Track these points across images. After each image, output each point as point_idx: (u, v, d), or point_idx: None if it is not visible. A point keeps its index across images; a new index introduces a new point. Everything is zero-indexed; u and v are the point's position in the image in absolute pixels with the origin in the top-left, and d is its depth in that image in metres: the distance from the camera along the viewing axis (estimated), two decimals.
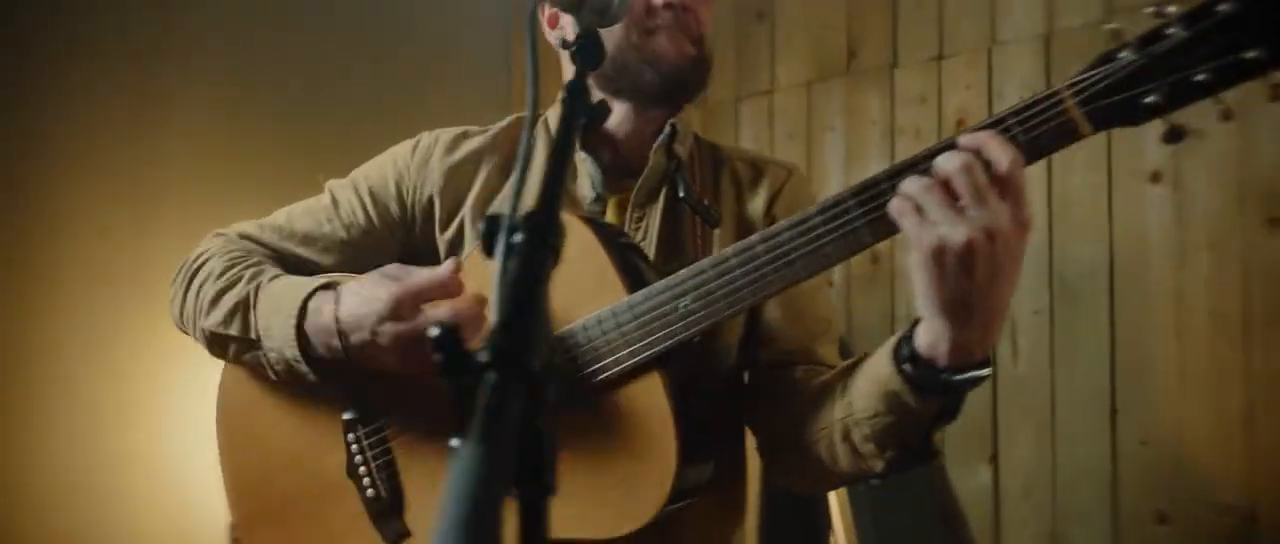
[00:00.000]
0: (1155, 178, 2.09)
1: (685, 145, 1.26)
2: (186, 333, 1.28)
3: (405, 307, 1.03)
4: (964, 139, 0.87)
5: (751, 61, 2.81)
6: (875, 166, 2.31)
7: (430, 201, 1.26)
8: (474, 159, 1.27)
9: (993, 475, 2.30)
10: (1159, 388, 2.04)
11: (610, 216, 1.23)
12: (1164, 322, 2.05)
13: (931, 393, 0.93)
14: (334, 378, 1.11)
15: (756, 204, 1.26)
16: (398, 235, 1.28)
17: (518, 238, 0.54)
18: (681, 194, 1.21)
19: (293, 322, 1.09)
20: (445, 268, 1.05)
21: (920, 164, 0.89)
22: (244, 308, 1.15)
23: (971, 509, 2.22)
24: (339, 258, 1.27)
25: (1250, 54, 0.80)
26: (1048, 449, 2.21)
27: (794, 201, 1.26)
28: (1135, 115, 0.85)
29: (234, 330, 1.16)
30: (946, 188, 0.85)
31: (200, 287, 1.21)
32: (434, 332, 0.49)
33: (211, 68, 2.51)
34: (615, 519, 0.99)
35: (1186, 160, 2.05)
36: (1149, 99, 0.84)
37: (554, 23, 1.28)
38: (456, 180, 1.26)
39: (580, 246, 1.05)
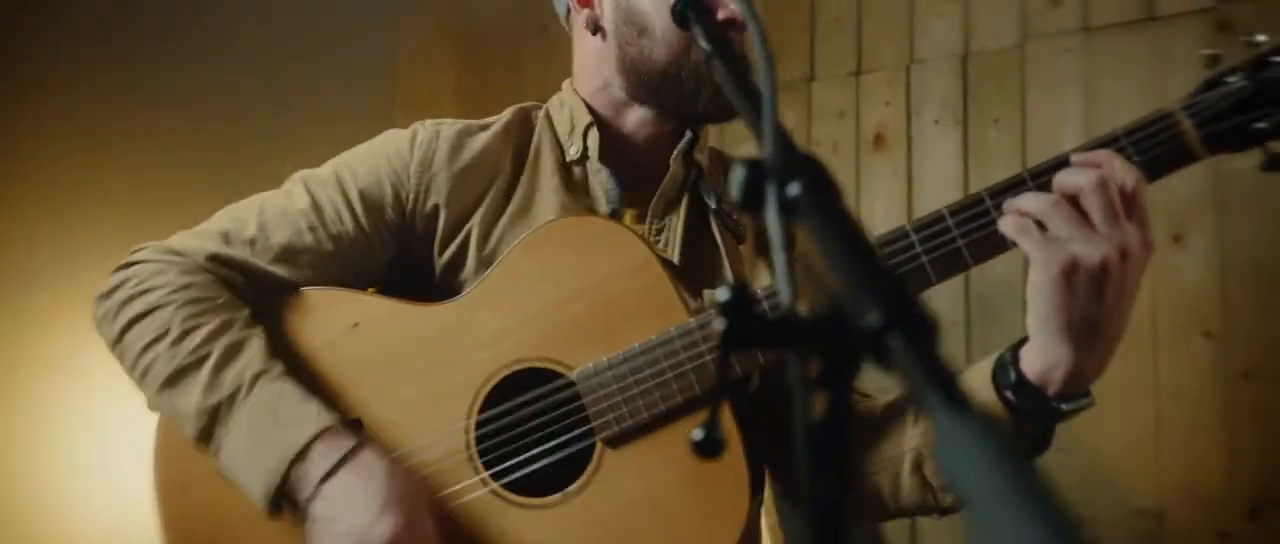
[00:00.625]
0: None
1: (704, 153, 1.19)
2: (111, 351, 1.09)
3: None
4: (1080, 157, 0.84)
5: None
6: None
7: (434, 211, 1.12)
8: (483, 162, 1.13)
9: None
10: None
11: None
12: None
13: (1033, 422, 0.89)
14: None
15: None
16: (391, 246, 1.14)
17: (796, 190, 0.45)
18: (714, 205, 1.14)
19: (279, 472, 0.94)
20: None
21: (1029, 183, 0.85)
22: (213, 414, 0.98)
23: (891, 522, 2.24)
24: (322, 276, 1.10)
25: None
26: None
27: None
28: (1244, 141, 0.85)
29: (189, 430, 0.98)
30: (1074, 205, 0.81)
31: (151, 343, 1.02)
32: (724, 296, 0.41)
33: (67, 91, 2.27)
34: None
35: None
36: (1259, 124, 0.84)
37: (587, 2, 1.16)
38: (465, 188, 1.12)
39: (636, 262, 0.96)
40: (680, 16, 0.82)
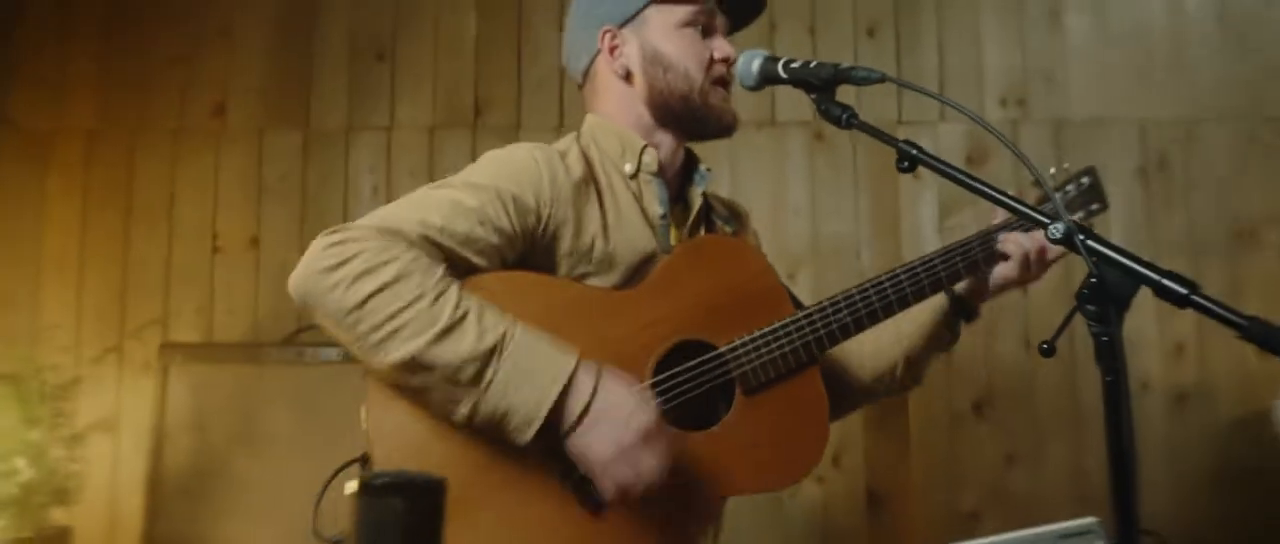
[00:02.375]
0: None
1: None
2: (329, 326, 1.23)
3: (648, 445, 1.25)
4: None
5: (371, 100, 3.00)
6: None
7: (563, 217, 1.38)
8: (583, 180, 1.43)
9: None
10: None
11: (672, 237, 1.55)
12: None
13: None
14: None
15: (749, 239, 1.71)
16: (522, 246, 1.37)
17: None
18: (719, 223, 1.61)
19: (553, 393, 1.21)
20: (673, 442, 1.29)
21: (1005, 228, 1.52)
22: (486, 356, 1.20)
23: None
24: (488, 263, 1.33)
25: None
26: None
27: (758, 237, 1.74)
28: None
29: (468, 371, 1.20)
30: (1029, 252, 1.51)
31: (408, 304, 1.20)
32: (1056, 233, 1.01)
33: None
34: (785, 473, 1.42)
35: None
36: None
37: (615, 52, 1.51)
38: (578, 200, 1.40)
39: (758, 269, 1.45)
40: (759, 82, 1.36)
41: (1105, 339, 1.02)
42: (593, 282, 1.42)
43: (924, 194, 2.96)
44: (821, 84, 1.31)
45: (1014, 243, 1.51)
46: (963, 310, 1.58)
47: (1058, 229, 1.06)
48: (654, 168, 1.50)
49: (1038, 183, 1.43)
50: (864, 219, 2.96)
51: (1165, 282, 1.00)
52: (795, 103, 2.98)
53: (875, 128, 1.29)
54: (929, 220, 2.94)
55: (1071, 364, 2.89)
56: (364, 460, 1.31)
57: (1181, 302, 1.00)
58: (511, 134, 3.00)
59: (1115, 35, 3.05)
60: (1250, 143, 2.99)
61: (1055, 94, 3.02)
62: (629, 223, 1.45)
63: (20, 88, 3.04)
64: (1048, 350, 1.11)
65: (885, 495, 2.84)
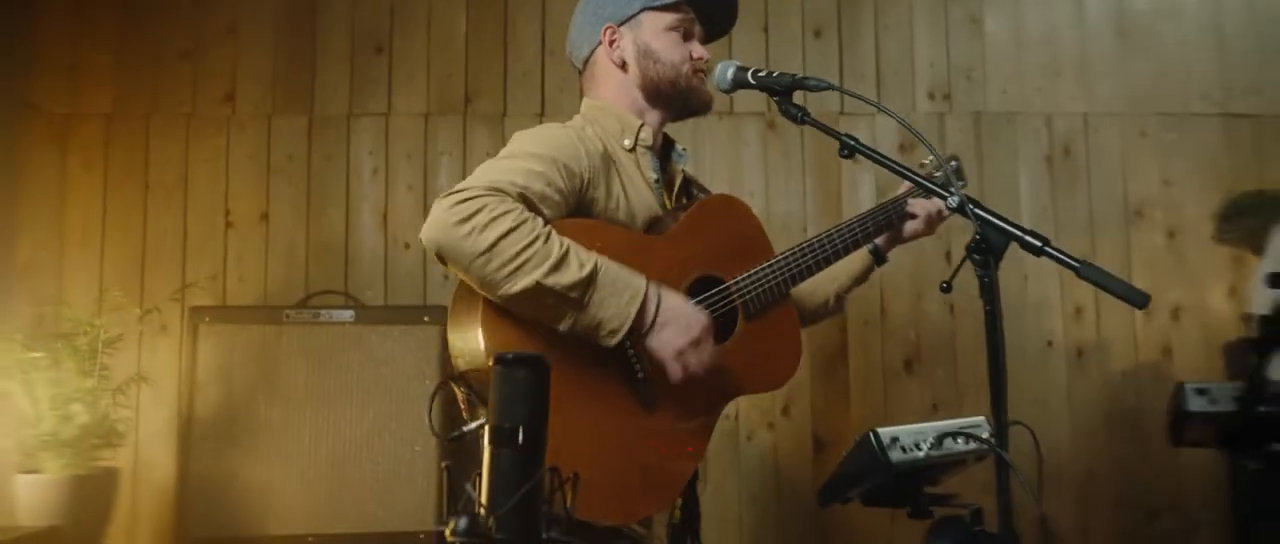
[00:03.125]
0: None
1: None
2: (461, 266, 1.55)
3: (703, 341, 1.65)
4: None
5: (371, 88, 3.32)
6: None
7: (593, 180, 1.73)
8: (602, 153, 1.78)
9: None
10: None
11: None
12: None
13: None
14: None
15: None
16: (574, 203, 1.70)
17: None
18: (696, 194, 1.98)
19: (634, 308, 1.59)
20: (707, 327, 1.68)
21: (910, 195, 1.94)
22: (588, 280, 1.56)
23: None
24: (554, 214, 1.65)
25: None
26: None
27: None
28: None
29: (574, 293, 1.55)
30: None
31: (529, 244, 1.53)
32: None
33: None
34: (777, 377, 1.84)
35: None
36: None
37: (614, 45, 1.87)
38: (605, 168, 1.77)
39: (753, 225, 1.86)
40: (732, 86, 1.76)
41: (986, 280, 1.43)
42: (668, 229, 1.79)
43: (863, 177, 3.38)
44: (782, 90, 1.70)
45: (919, 206, 2.01)
46: (878, 256, 2.09)
47: (955, 199, 1.46)
48: (649, 142, 1.86)
49: (938, 165, 1.95)
50: (810, 199, 3.37)
51: (1026, 237, 1.40)
52: (752, 97, 3.36)
53: (824, 124, 1.68)
54: (867, 200, 3.36)
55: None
56: (455, 378, 1.65)
57: (1037, 251, 1.41)
58: (497, 121, 3.34)
59: (1028, 39, 3.49)
60: (1141, 136, 3.46)
61: (975, 90, 3.46)
62: (638, 187, 1.82)
63: (41, 75, 3.29)
64: (946, 288, 1.51)
65: (829, 440, 3.27)
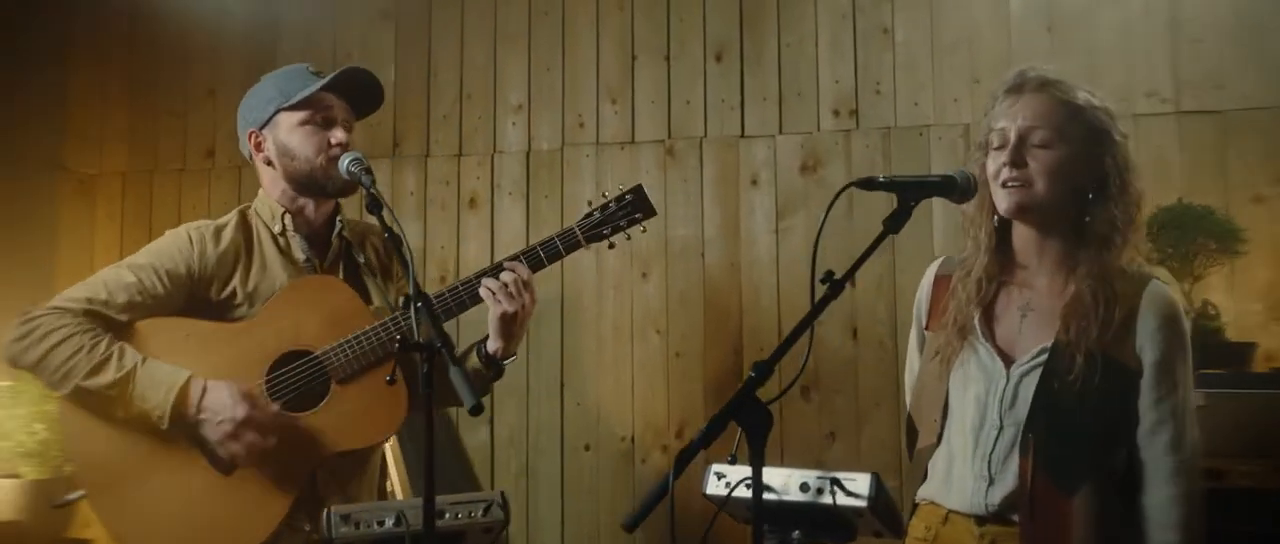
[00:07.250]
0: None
1: (348, 229, 2.20)
2: (29, 369, 1.93)
3: (247, 424, 1.90)
4: (509, 264, 2.01)
5: None
6: (412, 228, 3.43)
7: (211, 277, 2.04)
8: (233, 244, 2.08)
9: (489, 432, 3.53)
10: (590, 374, 3.45)
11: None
12: (594, 334, 3.46)
13: (493, 370, 2.09)
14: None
15: (396, 267, 2.25)
16: (183, 299, 2.03)
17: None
18: (361, 260, 2.18)
19: (172, 398, 1.89)
20: (270, 416, 1.94)
21: (490, 272, 2.02)
22: (127, 378, 1.89)
23: (474, 454, 3.44)
24: (143, 317, 2.00)
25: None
26: (523, 412, 3.50)
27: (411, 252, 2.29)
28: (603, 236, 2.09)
29: (113, 391, 1.88)
30: (506, 286, 2.00)
31: (73, 354, 1.89)
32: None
33: None
34: (376, 430, 2.04)
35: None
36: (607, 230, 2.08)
37: (259, 147, 2.12)
38: (225, 262, 2.06)
39: (345, 297, 2.03)
40: (351, 175, 1.92)
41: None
42: (242, 313, 2.05)
43: (761, 201, 3.35)
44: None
45: (485, 288, 2.02)
46: (494, 366, 2.10)
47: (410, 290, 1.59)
48: (293, 228, 2.11)
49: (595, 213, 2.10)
50: (709, 223, 3.39)
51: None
52: (653, 124, 3.44)
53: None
54: (764, 224, 3.33)
55: (893, 352, 3.21)
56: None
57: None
58: (421, 161, 3.63)
59: (943, 45, 3.28)
60: None
61: (883, 104, 3.30)
62: (272, 270, 2.08)
63: (71, 137, 3.98)
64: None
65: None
